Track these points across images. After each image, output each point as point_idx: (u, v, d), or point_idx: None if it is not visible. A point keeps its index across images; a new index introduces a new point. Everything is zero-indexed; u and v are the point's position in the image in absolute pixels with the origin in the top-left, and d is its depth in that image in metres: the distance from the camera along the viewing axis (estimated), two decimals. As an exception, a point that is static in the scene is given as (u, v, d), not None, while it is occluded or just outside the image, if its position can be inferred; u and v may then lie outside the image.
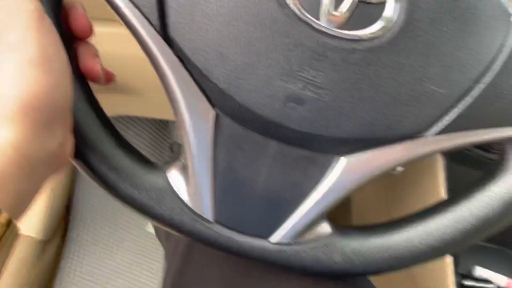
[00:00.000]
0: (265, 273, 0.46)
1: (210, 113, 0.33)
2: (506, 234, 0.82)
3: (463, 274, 0.80)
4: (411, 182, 0.82)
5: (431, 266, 0.78)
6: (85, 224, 1.23)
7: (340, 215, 1.13)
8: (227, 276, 0.47)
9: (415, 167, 0.80)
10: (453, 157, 0.75)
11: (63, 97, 0.29)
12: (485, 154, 0.71)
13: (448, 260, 0.73)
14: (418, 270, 0.85)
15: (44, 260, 1.11)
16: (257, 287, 0.46)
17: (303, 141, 0.34)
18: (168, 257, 0.58)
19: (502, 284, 0.79)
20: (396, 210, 0.88)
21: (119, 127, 1.26)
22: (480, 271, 0.80)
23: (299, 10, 0.30)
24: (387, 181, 0.90)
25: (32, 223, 1.06)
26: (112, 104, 1.09)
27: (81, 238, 1.23)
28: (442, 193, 0.73)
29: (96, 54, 0.36)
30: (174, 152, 1.15)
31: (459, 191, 0.39)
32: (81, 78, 0.35)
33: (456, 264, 0.75)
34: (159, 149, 1.28)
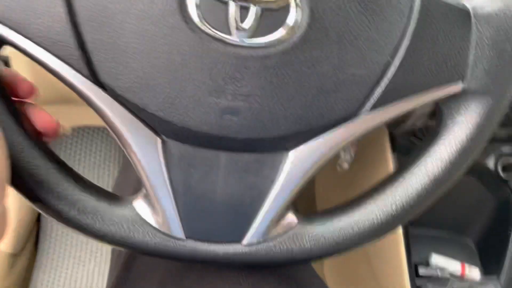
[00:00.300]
0: (202, 276, 0.48)
1: (156, 140, 0.36)
2: (460, 222, 0.86)
3: (418, 263, 0.83)
4: (363, 163, 0.86)
5: (387, 255, 0.82)
6: (56, 236, 1.23)
7: (306, 205, 1.16)
8: (165, 281, 0.49)
9: (365, 149, 0.83)
10: (403, 150, 0.79)
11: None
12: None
13: (402, 249, 0.76)
14: (375, 260, 0.88)
15: (15, 273, 1.11)
16: None
17: (248, 146, 0.36)
18: (112, 267, 0.59)
19: (457, 269, 0.83)
20: (354, 191, 0.91)
21: (81, 139, 1.27)
22: (436, 259, 0.84)
23: (210, 31, 0.32)
24: (344, 174, 0.94)
25: (1, 237, 1.06)
26: (70, 116, 1.10)
27: (53, 250, 1.22)
28: (391, 168, 0.77)
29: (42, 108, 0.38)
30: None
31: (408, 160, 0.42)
32: (32, 134, 0.37)
33: (411, 254, 0.78)
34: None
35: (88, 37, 0.32)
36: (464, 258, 0.85)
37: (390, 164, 0.76)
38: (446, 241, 0.89)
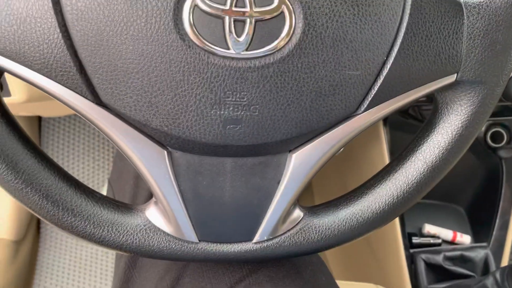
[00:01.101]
0: (197, 275, 0.50)
1: (163, 152, 0.37)
2: (451, 190, 0.89)
3: (411, 233, 0.86)
4: (360, 154, 0.88)
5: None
6: (57, 219, 1.25)
7: (303, 195, 1.19)
8: (165, 277, 0.51)
9: (361, 140, 0.85)
10: (394, 126, 0.80)
11: None
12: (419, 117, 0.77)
13: (397, 221, 0.79)
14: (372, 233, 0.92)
15: (20, 260, 1.14)
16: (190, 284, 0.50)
17: (252, 151, 0.37)
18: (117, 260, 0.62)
19: (448, 237, 0.87)
20: (351, 181, 0.93)
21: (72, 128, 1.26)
22: (428, 228, 0.87)
23: (207, 46, 0.33)
24: (339, 158, 0.95)
25: (3, 224, 1.08)
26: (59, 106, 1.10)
27: (55, 233, 1.25)
28: (387, 159, 0.79)
29: None
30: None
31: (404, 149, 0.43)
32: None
33: (404, 224, 0.81)
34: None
35: (87, 61, 0.32)
36: (455, 226, 0.89)
37: (385, 154, 0.78)
38: (438, 210, 0.92)
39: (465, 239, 0.86)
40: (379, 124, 0.80)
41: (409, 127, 0.82)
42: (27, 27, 0.32)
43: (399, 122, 0.80)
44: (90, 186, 1.25)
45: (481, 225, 0.88)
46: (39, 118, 1.24)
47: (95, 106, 0.34)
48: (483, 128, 0.84)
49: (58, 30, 0.32)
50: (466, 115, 0.39)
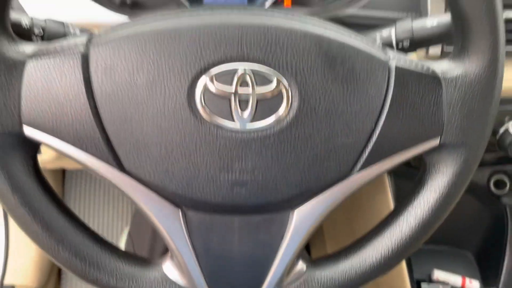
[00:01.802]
0: None
1: (177, 211, 0.42)
2: (459, 236, 0.91)
3: (420, 279, 0.88)
4: (366, 201, 0.91)
5: (390, 273, 0.87)
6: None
7: (316, 242, 1.21)
8: None
9: (367, 188, 0.88)
10: (396, 174, 0.84)
11: None
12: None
13: (404, 267, 0.81)
14: (379, 279, 0.93)
15: (41, 306, 1.17)
16: None
17: (257, 209, 0.42)
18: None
19: (457, 283, 0.88)
20: (359, 228, 0.96)
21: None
22: (437, 274, 0.88)
23: (216, 121, 0.38)
24: (347, 205, 0.99)
25: (26, 272, 1.12)
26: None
27: (76, 281, 1.28)
28: (391, 205, 0.82)
29: None
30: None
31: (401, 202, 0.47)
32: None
33: (412, 270, 0.83)
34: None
35: (113, 135, 0.38)
36: (464, 271, 0.90)
37: (390, 201, 0.82)
38: (447, 255, 0.94)
39: (474, 284, 0.87)
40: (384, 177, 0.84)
41: (412, 175, 0.85)
42: (64, 109, 0.38)
43: (403, 171, 0.84)
44: (109, 233, 1.30)
45: (489, 270, 0.89)
46: (63, 170, 1.31)
47: (119, 173, 0.40)
48: (487, 175, 0.87)
49: (90, 111, 0.38)
50: (451, 175, 0.44)
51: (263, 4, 0.67)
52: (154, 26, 0.38)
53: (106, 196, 1.33)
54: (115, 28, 0.39)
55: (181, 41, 0.38)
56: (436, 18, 0.50)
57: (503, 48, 0.41)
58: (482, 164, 0.82)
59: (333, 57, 0.39)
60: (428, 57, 0.64)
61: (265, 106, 0.39)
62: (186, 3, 0.65)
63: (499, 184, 0.86)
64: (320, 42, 0.39)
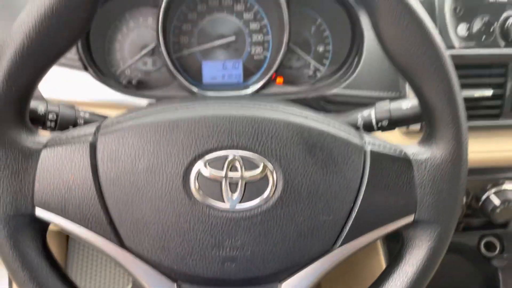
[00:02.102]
0: None
1: (173, 285, 0.45)
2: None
3: None
4: (360, 263, 0.93)
5: None
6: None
7: None
8: None
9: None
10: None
11: None
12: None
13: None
14: None
15: None
16: None
17: (247, 282, 0.45)
18: None
19: None
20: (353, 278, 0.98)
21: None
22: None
23: (208, 202, 0.43)
24: (342, 268, 1.01)
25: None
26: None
27: None
28: (384, 266, 0.84)
29: None
30: None
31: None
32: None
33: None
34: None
35: (115, 215, 0.43)
36: None
37: (381, 253, 0.84)
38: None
39: None
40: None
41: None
42: (72, 193, 0.42)
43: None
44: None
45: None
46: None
47: (119, 249, 0.43)
48: (477, 238, 0.90)
49: (95, 194, 0.42)
50: (426, 249, 0.47)
51: (257, 82, 0.73)
52: (154, 118, 0.44)
53: (108, 261, 1.35)
54: (120, 119, 0.45)
55: (178, 132, 0.43)
56: (411, 101, 0.55)
57: (466, 135, 0.46)
58: (471, 228, 0.86)
59: (313, 144, 0.44)
60: (408, 131, 0.70)
61: (252, 188, 0.43)
62: (186, 83, 0.71)
63: (490, 247, 0.89)
64: (301, 131, 0.44)
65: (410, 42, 0.43)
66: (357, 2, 0.46)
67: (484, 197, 0.75)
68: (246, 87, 0.74)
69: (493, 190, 0.75)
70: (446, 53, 0.44)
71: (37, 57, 0.41)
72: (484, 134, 0.72)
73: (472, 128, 0.70)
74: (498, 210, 0.74)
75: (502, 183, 0.76)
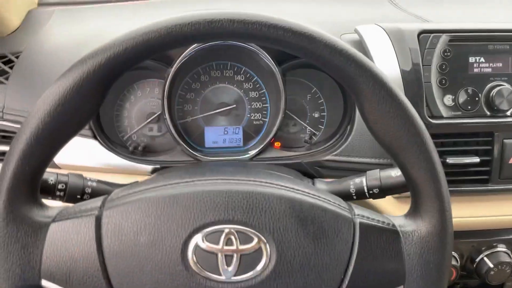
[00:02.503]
0: None
1: None
2: None
3: None
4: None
5: None
6: None
7: None
8: None
9: None
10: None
11: None
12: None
13: None
14: None
15: None
16: None
17: None
18: None
19: None
20: None
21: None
22: None
23: (205, 274, 0.45)
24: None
25: None
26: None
27: None
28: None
29: None
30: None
31: None
32: None
33: None
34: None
35: (117, 286, 0.45)
36: None
37: None
38: None
39: None
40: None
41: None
42: (77, 264, 0.45)
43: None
44: None
45: None
46: None
47: None
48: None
49: (99, 266, 0.45)
50: None
51: (256, 147, 0.77)
52: (155, 193, 0.47)
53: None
54: (124, 194, 0.48)
55: (177, 206, 0.46)
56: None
57: (449, 209, 0.49)
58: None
59: (304, 217, 0.47)
60: (399, 196, 0.72)
61: (247, 260, 0.45)
62: (189, 149, 0.75)
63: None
64: (293, 205, 0.47)
65: (392, 124, 0.47)
66: (345, 86, 0.51)
67: (478, 259, 0.77)
68: (246, 151, 0.79)
69: (487, 252, 0.77)
70: (427, 133, 0.48)
71: (50, 139, 0.45)
72: (475, 199, 0.75)
73: (462, 193, 0.74)
74: (492, 273, 0.75)
75: (496, 246, 0.78)
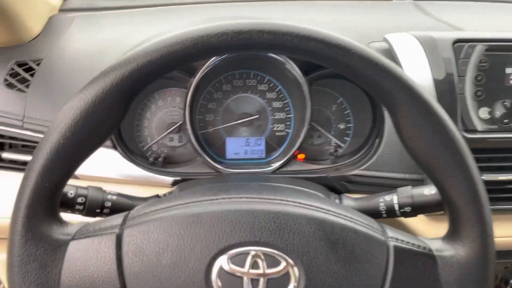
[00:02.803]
0: None
1: None
2: None
3: None
4: None
5: None
6: None
7: None
8: None
9: None
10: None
11: None
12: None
13: None
14: None
15: None
16: None
17: None
18: None
19: None
20: None
21: None
22: None
23: None
24: None
25: None
26: None
27: None
28: None
29: None
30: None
31: None
32: None
33: None
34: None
35: None
36: None
37: None
38: None
39: None
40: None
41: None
42: (96, 285, 0.43)
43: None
44: None
45: None
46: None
47: None
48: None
49: (119, 287, 0.43)
50: None
51: (279, 160, 0.75)
52: (178, 211, 0.45)
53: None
54: (146, 211, 0.46)
55: (201, 226, 0.44)
56: (434, 187, 0.55)
57: (492, 234, 0.45)
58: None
59: (335, 240, 0.44)
60: (431, 213, 0.69)
61: (274, 285, 0.43)
62: (210, 161, 0.73)
63: None
64: (324, 226, 0.44)
65: (430, 141, 0.44)
66: (378, 101, 0.48)
67: (512, 280, 0.73)
68: (268, 164, 0.76)
69: (522, 274, 0.73)
70: (469, 152, 0.45)
71: (71, 154, 0.44)
72: (509, 217, 0.71)
73: (496, 211, 0.70)
74: (527, 295, 0.71)
75: (531, 267, 0.74)
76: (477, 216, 0.45)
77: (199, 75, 0.72)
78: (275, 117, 0.78)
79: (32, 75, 0.74)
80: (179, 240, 0.43)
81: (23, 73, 0.75)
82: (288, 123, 0.78)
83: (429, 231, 0.68)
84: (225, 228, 0.43)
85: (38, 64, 0.75)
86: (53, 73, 0.74)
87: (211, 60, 0.71)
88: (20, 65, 0.76)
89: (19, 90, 0.73)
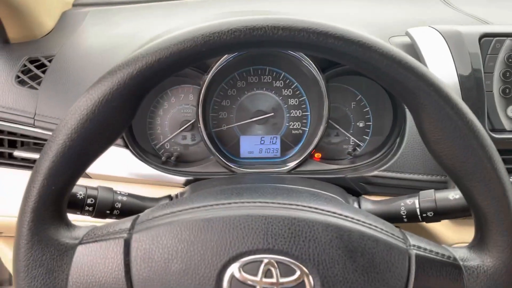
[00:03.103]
0: None
1: None
2: None
3: None
4: None
5: None
6: None
7: None
8: None
9: None
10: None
11: None
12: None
13: None
14: None
15: None
16: None
17: None
18: None
19: None
20: None
21: None
22: None
23: None
24: None
25: None
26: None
27: None
28: None
29: None
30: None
31: None
32: None
33: None
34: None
35: None
36: None
37: None
38: None
39: None
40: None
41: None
42: None
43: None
44: None
45: None
46: None
47: None
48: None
49: None
50: None
51: (295, 159, 0.72)
52: (189, 216, 0.43)
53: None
54: (155, 215, 0.44)
55: (212, 232, 0.42)
56: (459, 191, 0.52)
57: None
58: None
59: (354, 248, 0.42)
60: (455, 217, 0.66)
61: None
62: (223, 160, 0.71)
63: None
64: (341, 234, 0.42)
65: (457, 145, 0.41)
66: (402, 101, 0.45)
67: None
68: (284, 163, 0.74)
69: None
70: (499, 157, 0.42)
71: (78, 157, 0.42)
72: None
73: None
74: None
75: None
76: (506, 225, 0.42)
77: (212, 72, 0.69)
78: (291, 115, 0.75)
79: (44, 71, 0.73)
80: (189, 246, 0.41)
81: (35, 70, 0.74)
82: (304, 121, 0.75)
83: (451, 236, 0.65)
84: (237, 234, 0.41)
85: (50, 61, 0.74)
86: (65, 70, 0.73)
87: (224, 56, 0.69)
88: (32, 61, 0.75)
89: (31, 87, 0.72)
